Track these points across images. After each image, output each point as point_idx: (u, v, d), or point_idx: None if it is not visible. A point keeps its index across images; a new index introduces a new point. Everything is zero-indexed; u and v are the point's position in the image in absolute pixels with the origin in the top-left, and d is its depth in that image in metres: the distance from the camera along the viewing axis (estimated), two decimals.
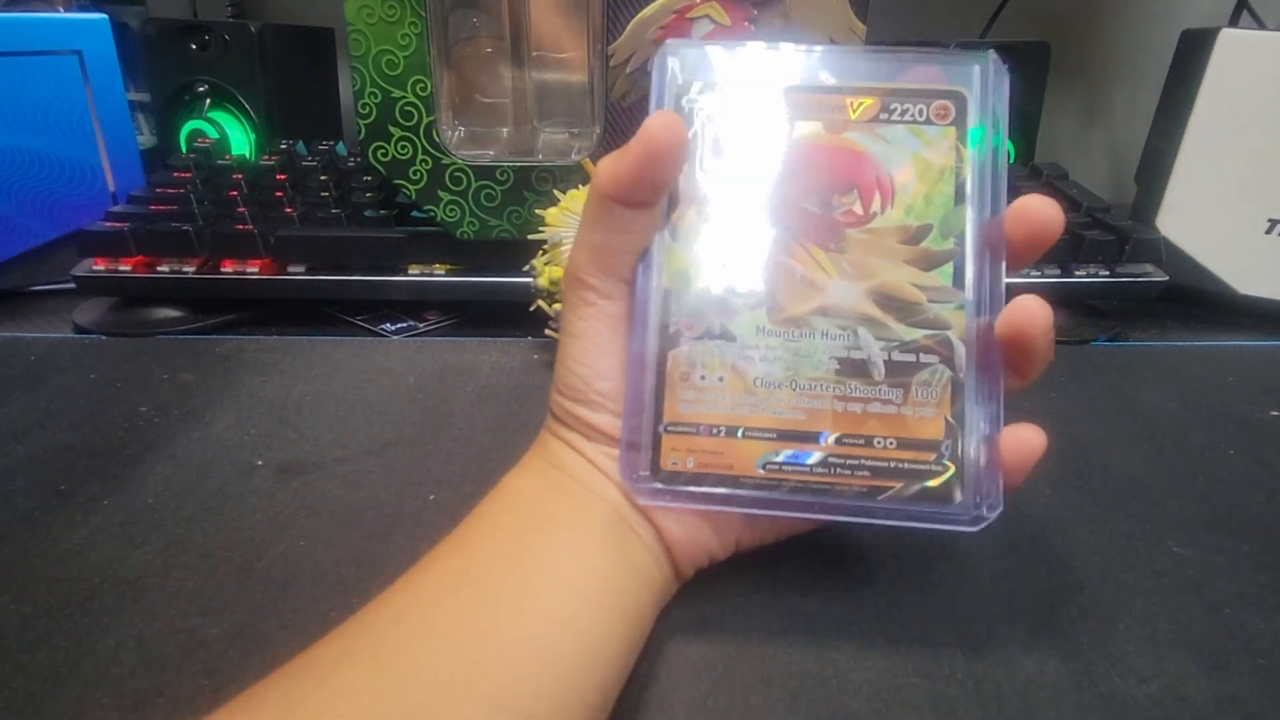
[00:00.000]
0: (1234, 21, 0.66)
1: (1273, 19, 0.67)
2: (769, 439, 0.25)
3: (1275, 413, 0.41)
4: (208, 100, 0.70)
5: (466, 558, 0.24)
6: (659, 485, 0.25)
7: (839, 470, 0.25)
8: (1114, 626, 0.27)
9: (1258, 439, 0.39)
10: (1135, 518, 0.32)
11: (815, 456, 0.25)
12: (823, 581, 0.28)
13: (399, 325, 0.50)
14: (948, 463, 0.24)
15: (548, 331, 0.44)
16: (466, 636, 0.21)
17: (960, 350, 0.25)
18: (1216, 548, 0.31)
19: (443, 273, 0.49)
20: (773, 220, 0.26)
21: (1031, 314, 0.24)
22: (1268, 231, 0.53)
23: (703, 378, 0.25)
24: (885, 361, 0.25)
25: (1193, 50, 0.54)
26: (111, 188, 0.65)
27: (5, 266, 0.57)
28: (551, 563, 0.23)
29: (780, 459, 0.25)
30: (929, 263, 0.25)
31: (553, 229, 0.44)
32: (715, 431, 0.25)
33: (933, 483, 0.24)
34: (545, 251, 0.45)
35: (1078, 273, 0.50)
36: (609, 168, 0.24)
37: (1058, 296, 0.26)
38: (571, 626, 0.22)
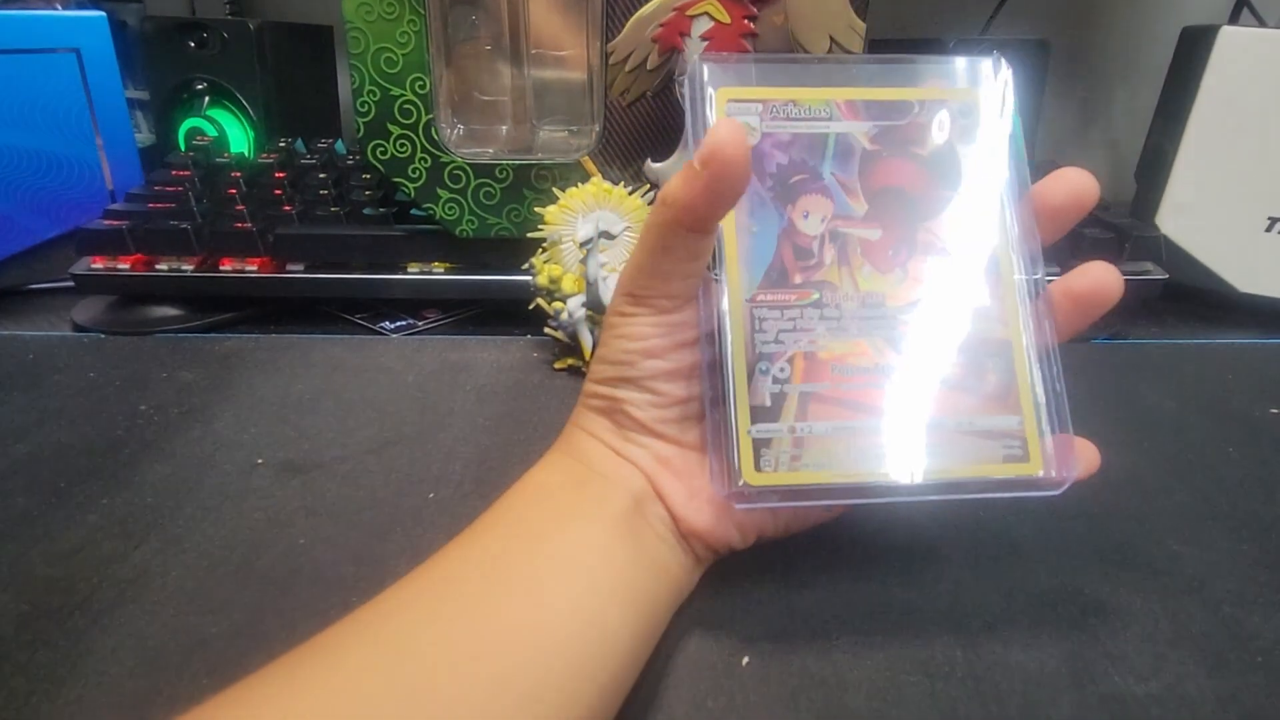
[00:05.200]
0: (1234, 19, 0.66)
1: (1273, 16, 0.66)
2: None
3: (1275, 410, 0.41)
4: (206, 98, 0.69)
5: (479, 548, 0.24)
6: (752, 490, 0.25)
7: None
8: (1113, 624, 0.27)
9: (1257, 437, 0.39)
10: (1134, 516, 0.32)
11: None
12: (822, 579, 0.28)
13: (398, 324, 0.50)
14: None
15: (547, 330, 0.44)
16: (472, 620, 0.21)
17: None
18: (1216, 546, 0.31)
19: (442, 271, 0.49)
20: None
21: (1108, 283, 0.26)
22: (1268, 229, 0.53)
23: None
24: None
25: (1193, 48, 0.54)
26: (110, 186, 0.65)
27: (3, 265, 0.56)
28: (565, 552, 0.24)
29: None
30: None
31: (552, 227, 0.44)
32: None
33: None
34: (545, 249, 0.44)
35: None
36: (681, 199, 0.23)
37: None
38: (582, 614, 0.22)
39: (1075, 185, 0.27)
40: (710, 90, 0.27)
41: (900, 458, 0.25)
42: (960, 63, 0.28)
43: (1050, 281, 0.27)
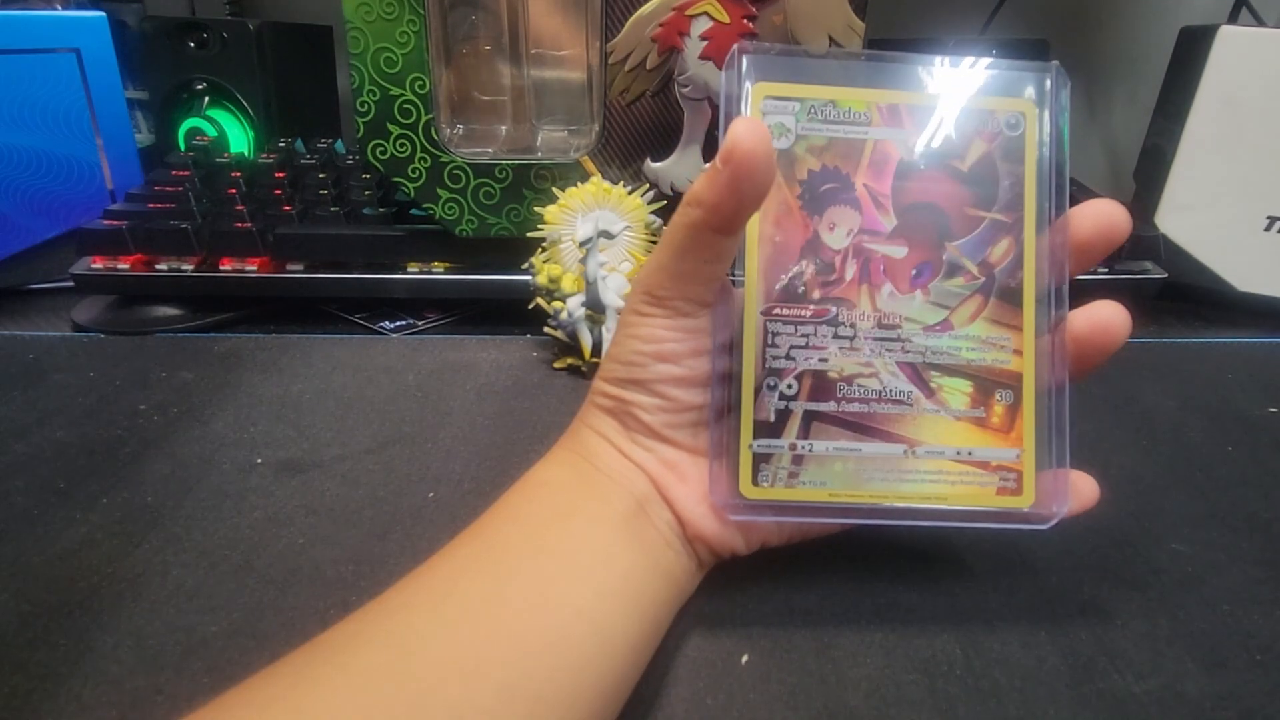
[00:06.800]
0: (1233, 18, 0.66)
1: (1272, 16, 0.67)
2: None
3: (1274, 410, 0.41)
4: (206, 98, 0.69)
5: (484, 545, 0.24)
6: (750, 503, 0.25)
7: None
8: (1112, 623, 0.27)
9: (1256, 436, 0.39)
10: (1133, 515, 0.32)
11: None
12: (821, 578, 0.28)
13: (398, 323, 0.50)
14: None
15: (547, 329, 0.44)
16: (478, 621, 0.21)
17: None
18: (1215, 545, 0.31)
19: (441, 271, 0.49)
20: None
21: (1116, 327, 0.26)
22: (1266, 229, 0.53)
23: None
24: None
25: (1192, 47, 0.54)
26: (110, 186, 0.65)
27: (4, 265, 0.56)
28: (569, 552, 0.24)
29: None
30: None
31: (552, 226, 0.44)
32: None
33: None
34: (544, 249, 0.45)
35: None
36: (707, 199, 0.23)
37: None
38: (586, 616, 0.22)
39: (1105, 219, 0.26)
40: (748, 84, 0.25)
41: (894, 483, 0.26)
42: (1016, 70, 0.26)
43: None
